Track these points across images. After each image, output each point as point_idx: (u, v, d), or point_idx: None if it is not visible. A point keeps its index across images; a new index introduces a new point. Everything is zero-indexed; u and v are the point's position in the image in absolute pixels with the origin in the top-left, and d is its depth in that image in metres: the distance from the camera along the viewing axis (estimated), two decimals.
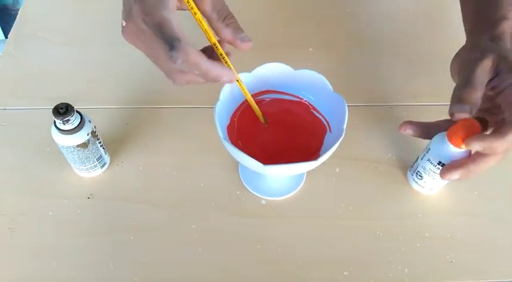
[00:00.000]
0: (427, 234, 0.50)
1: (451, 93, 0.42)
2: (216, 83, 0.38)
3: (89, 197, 0.51)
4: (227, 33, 0.37)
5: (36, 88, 0.60)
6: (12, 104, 0.58)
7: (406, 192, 0.53)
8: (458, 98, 0.41)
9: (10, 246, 0.47)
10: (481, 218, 0.51)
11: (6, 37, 1.42)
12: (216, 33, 0.38)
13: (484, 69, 0.42)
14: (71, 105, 0.44)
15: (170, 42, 0.34)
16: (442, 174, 0.44)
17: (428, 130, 0.48)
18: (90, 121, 0.47)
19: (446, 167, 0.44)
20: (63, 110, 0.43)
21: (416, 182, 0.51)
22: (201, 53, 0.35)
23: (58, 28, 0.67)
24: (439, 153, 0.46)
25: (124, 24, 0.36)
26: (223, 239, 0.49)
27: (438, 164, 0.46)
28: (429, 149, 0.47)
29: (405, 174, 0.54)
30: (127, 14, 0.35)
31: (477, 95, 0.41)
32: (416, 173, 0.51)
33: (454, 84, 0.44)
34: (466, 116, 0.41)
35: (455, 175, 0.43)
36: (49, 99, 0.58)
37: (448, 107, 0.41)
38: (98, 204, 0.50)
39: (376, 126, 0.58)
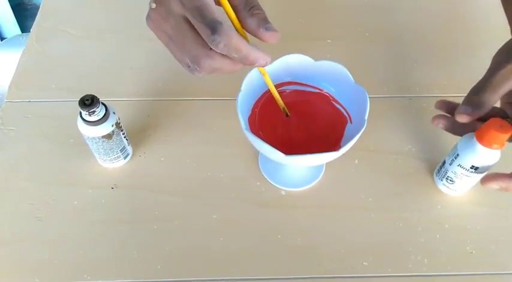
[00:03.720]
0: (446, 226, 0.50)
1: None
2: (237, 72, 0.37)
3: (113, 187, 0.52)
4: (252, 22, 0.36)
5: (60, 81, 0.61)
6: (36, 97, 0.59)
7: (426, 184, 0.53)
8: (467, 101, 0.41)
9: (37, 234, 0.49)
10: (501, 210, 0.51)
11: (22, 32, 1.44)
12: (241, 23, 0.37)
13: (509, 73, 0.40)
14: (96, 97, 0.45)
15: (212, 25, 0.32)
16: (483, 181, 0.42)
17: (457, 127, 0.46)
18: (114, 113, 0.48)
19: (491, 175, 0.42)
20: (88, 102, 0.44)
21: (447, 187, 0.51)
22: (241, 36, 0.34)
23: (79, 22, 0.68)
24: (470, 157, 0.45)
25: (153, 6, 0.35)
26: (244, 228, 0.50)
27: (471, 168, 0.46)
28: (458, 155, 0.47)
29: (424, 166, 0.54)
30: None
31: (489, 99, 0.40)
32: (447, 178, 0.50)
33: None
34: (467, 118, 0.41)
35: (495, 185, 0.42)
36: (72, 92, 0.59)
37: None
38: (122, 194, 0.52)
39: (395, 118, 0.58)
